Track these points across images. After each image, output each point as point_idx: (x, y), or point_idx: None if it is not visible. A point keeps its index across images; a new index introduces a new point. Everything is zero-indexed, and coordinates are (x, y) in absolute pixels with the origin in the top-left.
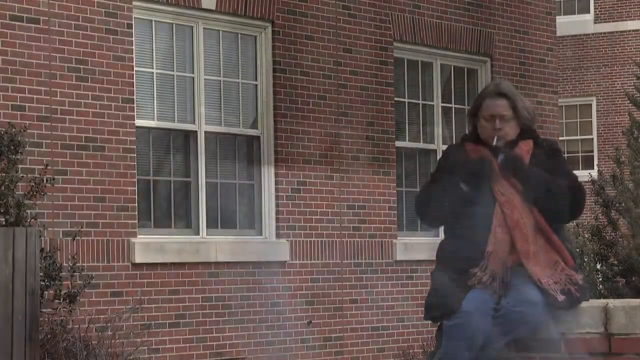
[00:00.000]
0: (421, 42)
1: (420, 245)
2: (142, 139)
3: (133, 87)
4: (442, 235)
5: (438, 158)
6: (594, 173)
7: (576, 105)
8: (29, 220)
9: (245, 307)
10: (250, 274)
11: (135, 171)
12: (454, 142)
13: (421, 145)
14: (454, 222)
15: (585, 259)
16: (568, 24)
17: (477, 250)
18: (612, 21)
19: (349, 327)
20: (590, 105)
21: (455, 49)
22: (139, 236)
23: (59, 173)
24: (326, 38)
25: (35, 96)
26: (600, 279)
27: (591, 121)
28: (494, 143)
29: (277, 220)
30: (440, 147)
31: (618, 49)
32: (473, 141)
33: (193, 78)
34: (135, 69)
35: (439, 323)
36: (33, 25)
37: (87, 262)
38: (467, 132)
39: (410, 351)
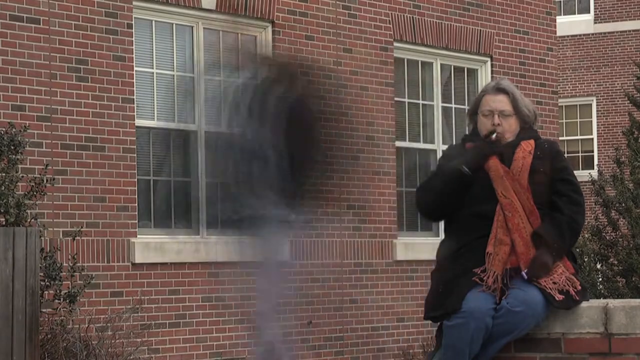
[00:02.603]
0: (421, 42)
1: (420, 245)
2: (142, 139)
3: (133, 87)
4: (442, 235)
5: (438, 158)
6: (594, 173)
7: (576, 105)
8: (29, 220)
9: (245, 307)
10: (250, 274)
11: (135, 171)
12: (454, 143)
13: (421, 145)
14: (455, 223)
15: (585, 259)
16: (568, 24)
17: (477, 252)
18: (612, 21)
19: (349, 327)
20: (590, 105)
21: (455, 49)
22: (139, 236)
23: (59, 173)
24: (326, 38)
25: (35, 96)
26: (600, 279)
27: (591, 121)
28: (493, 137)
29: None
30: (440, 147)
31: (618, 49)
32: (473, 141)
33: (193, 78)
34: (135, 69)
35: (439, 323)
36: (33, 25)
37: (87, 262)
38: (467, 132)
39: (410, 351)
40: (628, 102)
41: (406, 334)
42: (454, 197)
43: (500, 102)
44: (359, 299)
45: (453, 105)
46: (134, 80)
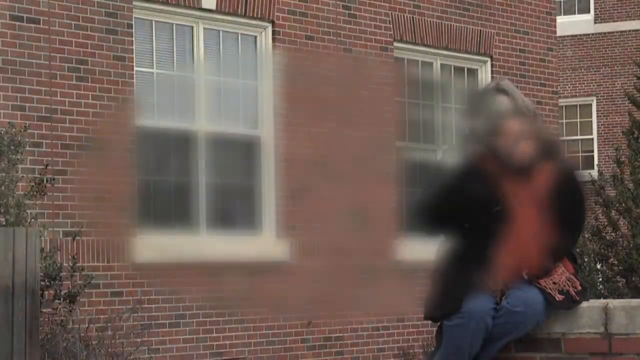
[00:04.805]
0: (421, 42)
1: (420, 245)
2: (142, 139)
3: (133, 87)
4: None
5: (439, 158)
6: (594, 173)
7: (576, 105)
8: (29, 220)
9: (245, 307)
10: (250, 274)
11: (136, 171)
12: (455, 145)
13: (421, 145)
14: (456, 224)
15: (585, 259)
16: (568, 24)
17: (478, 252)
18: (612, 21)
19: (349, 327)
20: (590, 105)
21: (455, 49)
22: (139, 236)
23: (59, 173)
24: (326, 38)
25: (35, 96)
26: (600, 279)
27: (591, 121)
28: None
29: (277, 220)
30: (440, 147)
31: (618, 49)
32: (473, 142)
33: (193, 78)
34: (135, 69)
35: (439, 323)
36: (33, 25)
37: (87, 262)
38: (467, 132)
39: (410, 351)
40: (628, 102)
41: (406, 334)
42: (453, 210)
43: (500, 103)
44: (359, 299)
45: (453, 105)
46: (134, 80)
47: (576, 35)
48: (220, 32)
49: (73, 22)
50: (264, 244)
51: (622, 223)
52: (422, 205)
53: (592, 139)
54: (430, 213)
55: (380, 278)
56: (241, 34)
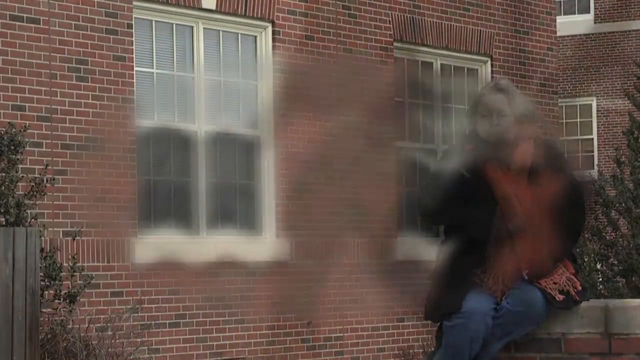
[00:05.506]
0: (421, 42)
1: (420, 245)
2: (142, 139)
3: (133, 87)
4: (442, 236)
5: (438, 158)
6: (594, 173)
7: (576, 105)
8: (29, 220)
9: (245, 307)
10: (250, 274)
11: (135, 171)
12: (454, 143)
13: (421, 145)
14: (455, 223)
15: (585, 259)
16: (568, 24)
17: (478, 252)
18: (612, 21)
19: (349, 327)
20: (590, 105)
21: (455, 49)
22: (139, 236)
23: (59, 173)
24: (326, 38)
25: (35, 96)
26: (600, 279)
27: (591, 121)
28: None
29: (277, 220)
30: (440, 147)
31: (618, 49)
32: (473, 142)
33: (193, 78)
34: (135, 69)
35: (439, 323)
36: (33, 25)
37: (87, 262)
38: (467, 132)
39: (410, 351)
40: (628, 102)
41: (406, 334)
42: (454, 200)
43: (499, 102)
44: (359, 299)
45: (453, 105)
46: (134, 80)
47: (576, 35)
48: (220, 32)
49: (73, 22)
50: (264, 244)
51: (622, 223)
52: (419, 195)
53: (592, 139)
54: (424, 200)
55: (380, 278)
56: (241, 34)
